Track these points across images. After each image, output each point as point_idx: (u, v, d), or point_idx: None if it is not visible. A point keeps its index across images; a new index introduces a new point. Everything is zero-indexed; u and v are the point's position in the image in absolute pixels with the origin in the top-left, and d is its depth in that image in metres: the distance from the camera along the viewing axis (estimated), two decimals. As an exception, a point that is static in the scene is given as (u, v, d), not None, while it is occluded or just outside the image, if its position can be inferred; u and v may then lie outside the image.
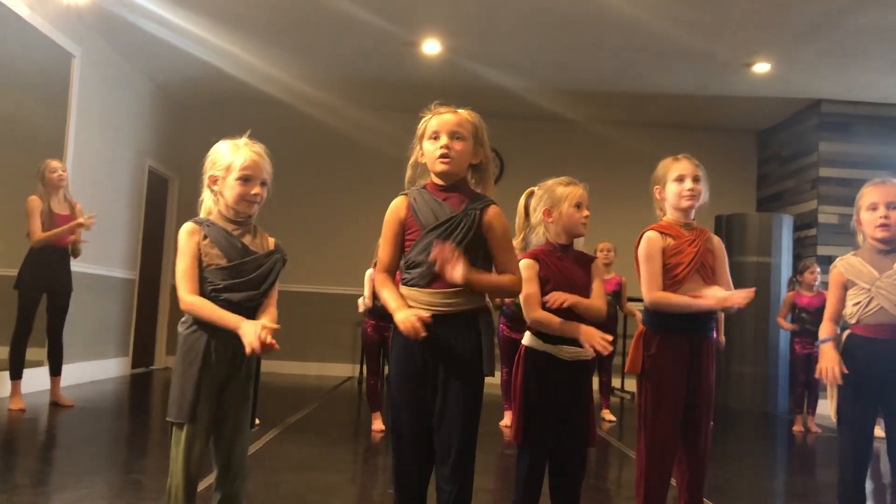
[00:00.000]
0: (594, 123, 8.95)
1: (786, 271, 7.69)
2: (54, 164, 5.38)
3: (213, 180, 2.33)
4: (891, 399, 2.76)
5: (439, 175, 2.35)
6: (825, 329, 2.90)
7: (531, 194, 2.83)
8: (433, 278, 2.29)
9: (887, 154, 7.76)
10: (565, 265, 2.76)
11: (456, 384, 2.30)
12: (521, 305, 2.74)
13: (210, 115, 8.66)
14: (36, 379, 5.66)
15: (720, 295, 2.76)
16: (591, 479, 3.97)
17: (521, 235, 2.84)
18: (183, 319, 2.32)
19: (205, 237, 2.29)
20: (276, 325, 2.21)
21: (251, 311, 2.32)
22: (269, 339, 2.12)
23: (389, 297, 2.33)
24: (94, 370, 7.06)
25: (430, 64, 7.29)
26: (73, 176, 6.22)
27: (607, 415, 6.35)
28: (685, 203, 2.91)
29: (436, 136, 2.34)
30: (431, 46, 6.94)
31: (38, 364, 5.64)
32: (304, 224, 8.73)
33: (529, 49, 6.97)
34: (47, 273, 5.27)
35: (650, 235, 2.91)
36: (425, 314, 2.22)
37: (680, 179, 2.92)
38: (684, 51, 6.79)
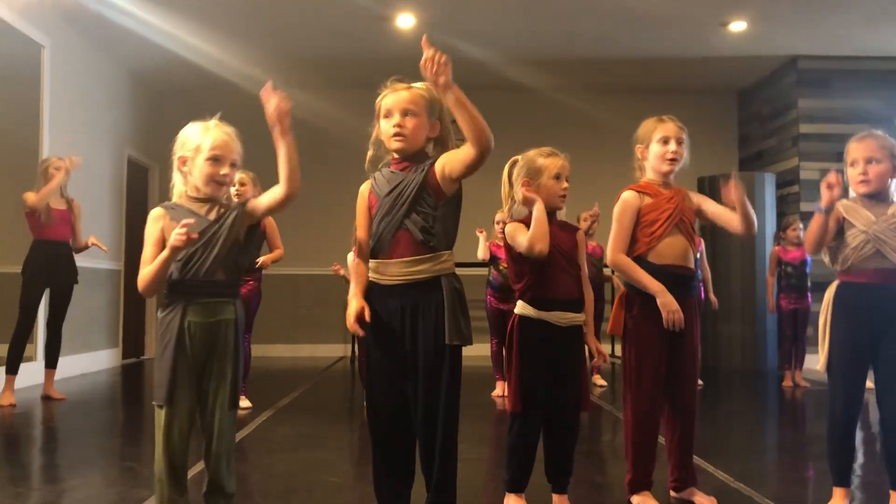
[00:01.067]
0: (572, 92, 8.90)
1: (770, 229, 7.73)
2: (58, 162, 5.37)
3: (183, 161, 2.32)
4: (881, 345, 2.76)
5: (396, 151, 2.38)
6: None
7: (514, 163, 2.82)
8: (394, 247, 2.31)
9: (866, 107, 7.77)
10: (553, 231, 2.75)
11: (428, 356, 2.30)
12: (526, 253, 2.66)
13: (187, 102, 8.56)
14: (27, 374, 5.64)
15: (669, 307, 2.79)
16: (584, 443, 4.00)
17: (508, 205, 2.83)
18: (161, 303, 2.32)
19: (171, 219, 2.28)
20: None
21: (226, 291, 2.32)
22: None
23: (352, 284, 2.40)
24: (85, 362, 7.05)
25: (405, 38, 7.23)
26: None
27: (598, 380, 6.40)
28: (667, 167, 2.91)
29: (389, 113, 2.35)
30: (406, 20, 6.88)
31: (28, 359, 5.62)
32: (303, 207, 8.68)
33: (504, 19, 6.93)
34: (50, 267, 5.28)
35: (626, 195, 2.93)
36: (367, 312, 2.27)
37: (664, 141, 2.92)
38: (659, 13, 6.76)
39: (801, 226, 6.41)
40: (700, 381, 6.38)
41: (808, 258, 6.39)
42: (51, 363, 5.45)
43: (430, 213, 2.31)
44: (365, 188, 2.43)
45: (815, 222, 2.78)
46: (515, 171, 2.80)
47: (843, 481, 2.83)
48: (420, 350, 2.30)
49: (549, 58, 7.99)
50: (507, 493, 2.78)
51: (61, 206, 5.36)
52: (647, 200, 2.91)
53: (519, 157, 2.81)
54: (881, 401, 2.81)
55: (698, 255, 6.42)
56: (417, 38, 7.25)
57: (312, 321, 8.85)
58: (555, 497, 2.80)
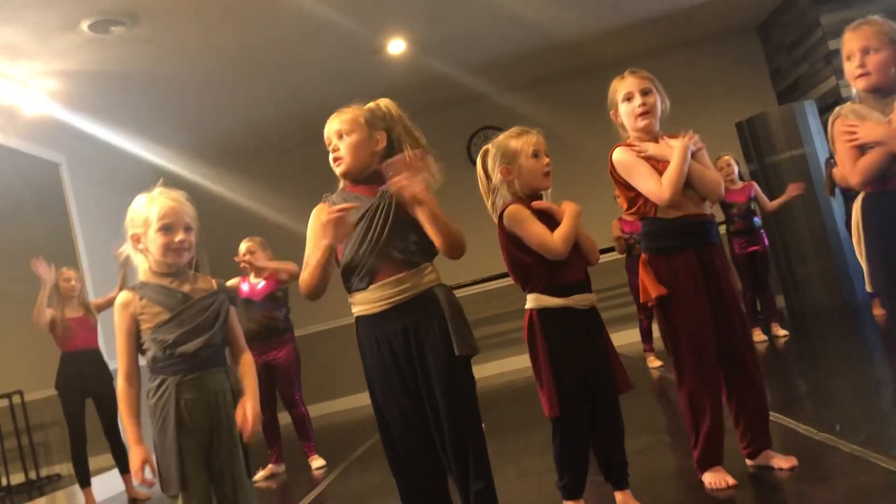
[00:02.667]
0: (590, 70, 8.63)
1: (823, 158, 7.29)
2: (68, 273, 5.46)
3: (136, 239, 2.25)
4: None
5: (342, 177, 2.30)
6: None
7: (486, 153, 2.64)
8: (374, 274, 2.18)
9: (891, 8, 7.28)
10: (545, 217, 2.57)
11: (437, 376, 2.15)
12: (541, 248, 2.50)
13: (203, 185, 8.68)
14: (108, 483, 5.69)
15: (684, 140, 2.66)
16: (643, 431, 3.76)
17: (490, 200, 2.66)
18: (148, 389, 2.23)
19: (140, 298, 2.20)
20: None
21: (213, 362, 2.23)
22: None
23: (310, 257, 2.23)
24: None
25: (397, 64, 7.13)
26: (92, 280, 6.29)
27: (652, 361, 5.95)
28: (640, 122, 2.72)
29: (329, 142, 2.30)
30: (396, 46, 6.79)
31: (106, 469, 5.67)
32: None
33: (489, 19, 6.75)
34: (83, 377, 5.31)
35: (622, 149, 2.73)
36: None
37: (628, 98, 2.74)
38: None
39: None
40: (785, 332, 6.02)
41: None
42: (123, 469, 5.46)
43: (407, 234, 2.20)
44: (320, 210, 2.28)
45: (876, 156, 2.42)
46: (490, 161, 2.63)
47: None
48: (432, 370, 2.16)
49: (552, 44, 7.75)
50: (563, 502, 2.58)
51: (78, 313, 5.38)
52: (643, 155, 2.70)
53: (489, 146, 2.64)
54: None
55: (752, 199, 6.07)
56: (409, 63, 7.17)
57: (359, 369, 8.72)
58: (617, 495, 2.58)
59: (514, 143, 2.58)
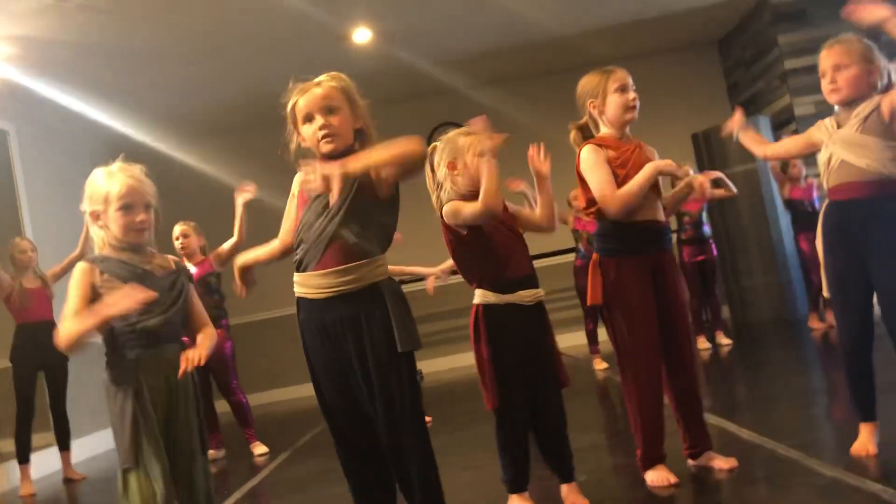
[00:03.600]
0: (543, 76, 8.69)
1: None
2: (24, 244, 5.33)
3: (95, 216, 2.19)
4: (873, 260, 2.53)
5: (328, 155, 2.17)
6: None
7: (434, 149, 2.63)
8: (322, 258, 2.13)
9: (848, 30, 7.46)
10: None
11: (377, 370, 2.11)
12: (470, 219, 2.49)
13: (165, 159, 8.52)
14: (46, 462, 5.56)
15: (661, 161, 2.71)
16: (590, 429, 3.82)
17: (435, 195, 2.65)
18: (105, 366, 2.18)
19: (101, 273, 2.15)
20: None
21: (171, 337, 2.20)
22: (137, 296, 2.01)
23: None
24: (105, 441, 6.95)
25: (362, 53, 7.09)
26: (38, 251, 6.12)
27: (598, 363, 6.00)
28: (629, 115, 2.74)
29: (309, 117, 2.18)
30: (362, 34, 6.76)
31: (46, 446, 5.54)
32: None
33: (458, 14, 6.76)
34: (38, 349, 5.14)
35: (590, 147, 2.75)
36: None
37: (622, 89, 2.75)
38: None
39: (800, 162, 6.17)
40: (729, 340, 6.14)
41: (813, 198, 6.16)
42: (63, 445, 5.35)
43: (365, 219, 2.13)
44: (297, 179, 2.23)
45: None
46: (437, 157, 2.62)
47: (867, 416, 2.62)
48: (371, 363, 2.11)
49: (516, 44, 7.80)
50: (509, 496, 2.60)
51: (35, 284, 5.25)
52: (611, 153, 2.73)
53: (438, 143, 2.64)
54: (886, 319, 2.57)
55: (704, 209, 6.19)
56: (374, 52, 7.08)
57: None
58: (563, 488, 2.61)
59: (463, 140, 2.57)
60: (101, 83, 6.59)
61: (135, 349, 2.14)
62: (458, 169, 2.55)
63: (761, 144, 2.96)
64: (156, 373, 2.15)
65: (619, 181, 2.69)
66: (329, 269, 2.12)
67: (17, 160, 6.40)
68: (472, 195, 2.51)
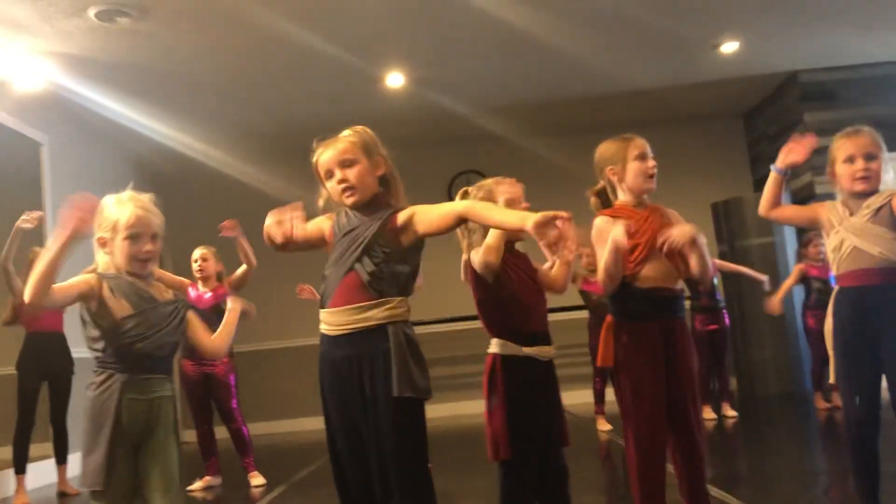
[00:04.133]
0: (572, 133, 8.78)
1: (790, 249, 7.49)
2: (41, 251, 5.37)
3: (102, 242, 2.22)
4: (885, 345, 2.57)
5: (353, 207, 2.25)
6: None
7: (465, 193, 2.70)
8: (334, 294, 2.18)
9: (874, 114, 7.52)
10: (519, 262, 2.63)
11: (377, 415, 2.12)
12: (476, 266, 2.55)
13: (189, 187, 8.64)
14: (42, 473, 5.56)
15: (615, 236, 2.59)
16: (593, 488, 3.80)
17: (466, 241, 2.70)
18: (90, 382, 2.18)
19: (110, 289, 2.15)
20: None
21: (162, 367, 2.22)
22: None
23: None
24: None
25: (393, 98, 7.23)
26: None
27: (603, 424, 5.95)
28: (649, 184, 2.78)
29: (329, 173, 2.24)
30: (395, 79, 6.90)
31: (41, 458, 5.55)
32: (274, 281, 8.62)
33: (490, 67, 6.90)
34: (45, 359, 5.21)
35: (599, 221, 2.79)
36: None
37: (642, 157, 2.79)
38: (648, 43, 6.70)
39: (820, 241, 6.18)
40: (734, 413, 6.11)
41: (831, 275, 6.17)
42: (61, 459, 5.36)
43: (381, 259, 2.18)
44: (328, 219, 2.30)
45: (770, 181, 2.78)
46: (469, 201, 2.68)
47: (871, 501, 2.61)
48: (369, 407, 2.13)
49: (543, 101, 7.93)
50: (510, 549, 2.60)
51: None
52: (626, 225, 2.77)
53: (469, 187, 2.70)
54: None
55: (715, 281, 6.20)
56: (407, 97, 7.22)
57: (314, 393, 8.62)
58: (560, 546, 2.61)
59: (496, 188, 2.63)
60: (131, 104, 6.72)
61: (124, 373, 2.15)
62: None
63: (770, 201, 2.92)
64: (139, 399, 2.15)
65: (630, 253, 2.72)
66: (341, 307, 2.16)
67: (48, 171, 6.52)
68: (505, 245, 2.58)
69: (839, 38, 7.06)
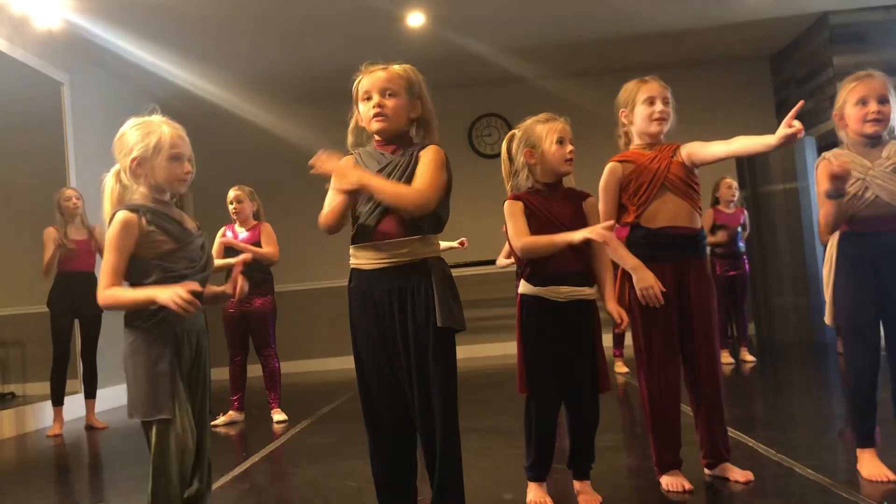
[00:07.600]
0: (597, 75, 8.69)
1: (814, 195, 7.40)
2: (69, 192, 5.45)
3: (137, 162, 2.16)
4: (888, 300, 2.62)
5: (377, 133, 2.28)
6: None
7: (512, 138, 2.68)
8: (377, 230, 2.20)
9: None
10: (551, 205, 2.61)
11: (416, 345, 2.18)
12: (510, 243, 2.61)
13: (214, 128, 8.63)
14: (71, 407, 5.70)
15: (642, 282, 2.65)
16: (609, 428, 3.85)
17: (510, 183, 2.70)
18: (136, 316, 2.16)
19: (148, 223, 2.13)
20: (195, 287, 2.10)
21: (203, 293, 2.22)
22: (187, 296, 1.99)
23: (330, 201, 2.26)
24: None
25: (414, 37, 7.13)
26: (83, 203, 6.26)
27: (620, 366, 6.02)
28: (655, 127, 2.76)
29: (367, 95, 2.26)
30: (416, 18, 6.80)
31: (70, 393, 5.68)
32: (301, 224, 8.65)
33: (513, 6, 6.77)
34: (74, 298, 5.31)
35: (608, 167, 2.80)
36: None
37: (650, 101, 2.77)
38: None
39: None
40: (752, 357, 6.13)
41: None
42: (90, 394, 5.51)
43: None
44: (347, 161, 2.28)
45: (828, 208, 2.60)
46: (514, 145, 2.67)
47: (869, 442, 2.65)
48: (410, 336, 2.19)
49: (567, 42, 7.80)
50: (528, 483, 2.65)
51: (82, 235, 5.40)
52: (630, 168, 2.77)
53: (515, 130, 2.69)
54: (892, 358, 2.68)
55: (742, 224, 6.16)
56: (427, 37, 7.16)
57: (341, 334, 8.76)
58: (576, 484, 2.66)
59: (540, 128, 2.61)
60: (153, 43, 6.69)
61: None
62: (536, 157, 2.59)
63: (832, 226, 2.68)
64: (190, 329, 2.18)
65: (636, 194, 2.72)
66: (382, 241, 2.20)
67: (69, 111, 6.53)
68: (549, 184, 2.60)
69: (872, -22, 6.86)
